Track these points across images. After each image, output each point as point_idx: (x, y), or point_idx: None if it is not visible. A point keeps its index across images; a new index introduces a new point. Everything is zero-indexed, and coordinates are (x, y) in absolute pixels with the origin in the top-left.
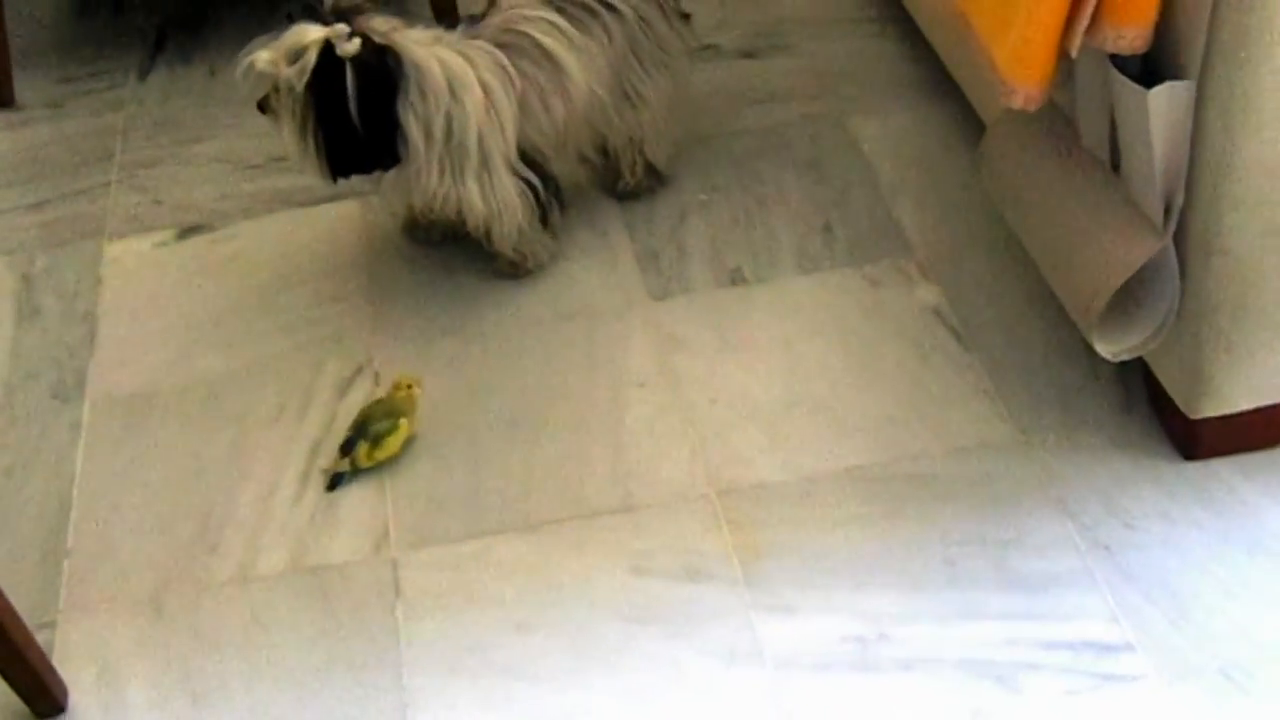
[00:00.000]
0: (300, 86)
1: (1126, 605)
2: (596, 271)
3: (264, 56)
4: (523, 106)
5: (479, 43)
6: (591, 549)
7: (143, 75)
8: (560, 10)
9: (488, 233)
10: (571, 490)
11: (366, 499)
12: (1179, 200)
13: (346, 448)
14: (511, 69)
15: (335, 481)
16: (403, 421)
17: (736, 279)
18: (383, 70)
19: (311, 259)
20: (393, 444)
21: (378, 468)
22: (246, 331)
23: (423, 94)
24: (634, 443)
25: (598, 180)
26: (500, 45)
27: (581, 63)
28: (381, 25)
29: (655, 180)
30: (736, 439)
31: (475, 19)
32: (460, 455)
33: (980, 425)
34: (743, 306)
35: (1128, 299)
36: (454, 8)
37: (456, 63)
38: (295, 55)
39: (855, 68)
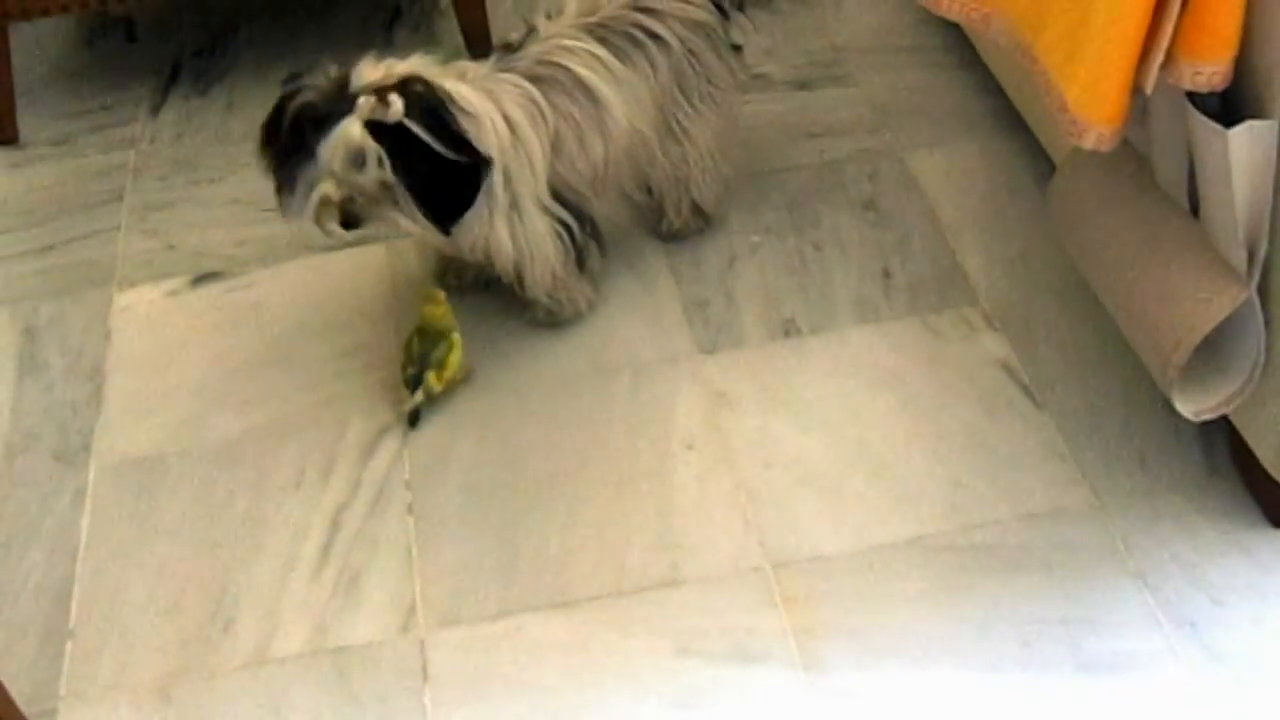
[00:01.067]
0: (387, 177)
1: (1215, 687)
2: (640, 321)
3: (328, 188)
4: (557, 144)
5: (509, 76)
6: (634, 628)
7: (155, 110)
8: (602, 41)
9: (519, 277)
10: (613, 562)
11: (392, 572)
12: (1263, 247)
13: (414, 384)
14: (544, 103)
15: (416, 417)
16: (454, 336)
17: (790, 330)
18: (433, 97)
19: (334, 309)
20: (454, 361)
21: (452, 390)
22: (265, 388)
23: (467, 114)
24: (681, 510)
25: (641, 221)
26: (533, 78)
27: (623, 97)
28: (402, 69)
29: (702, 221)
30: (792, 506)
31: (510, 48)
32: (493, 522)
33: (1053, 490)
34: (797, 360)
35: (1210, 353)
36: (487, 36)
37: (476, 99)
38: (357, 159)
39: (916, 100)
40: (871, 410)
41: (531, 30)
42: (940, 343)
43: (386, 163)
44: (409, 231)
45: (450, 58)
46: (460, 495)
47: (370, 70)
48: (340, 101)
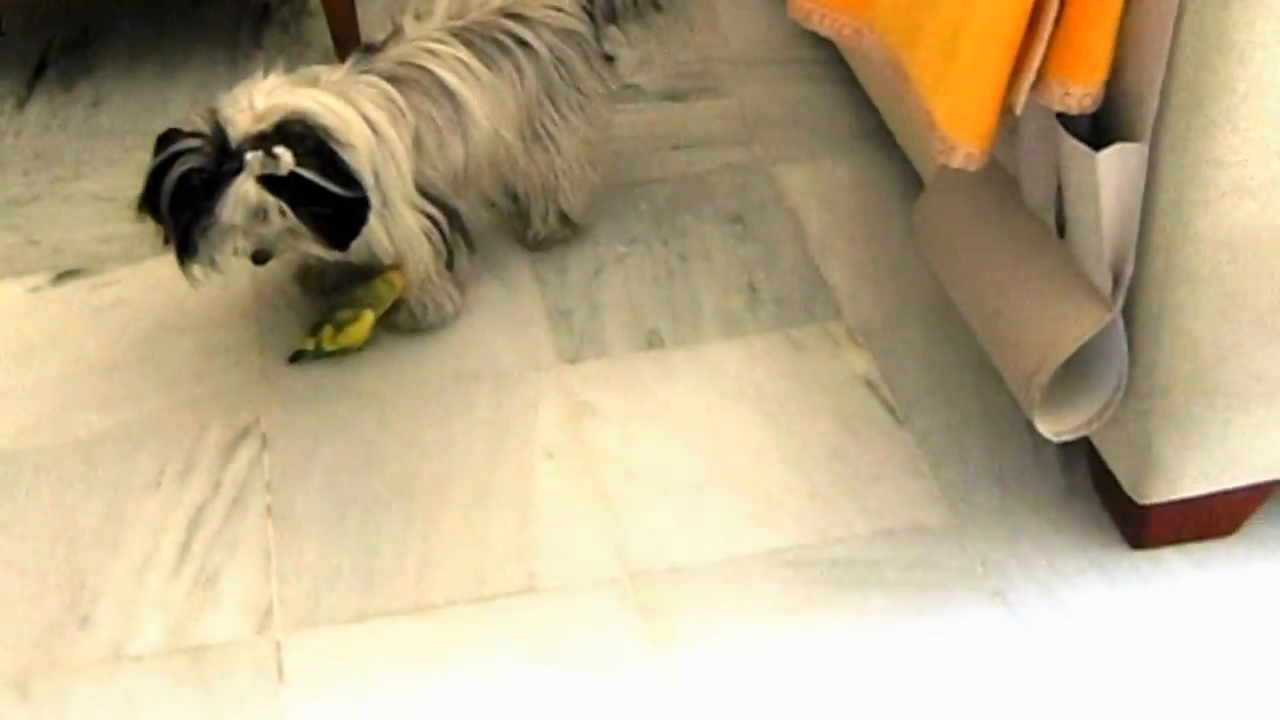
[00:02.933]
0: (291, 223)
1: (1067, 709)
2: (503, 329)
3: (238, 243)
4: (417, 143)
5: (366, 78)
6: (491, 634)
7: (20, 104)
8: (468, 45)
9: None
10: (471, 569)
11: (250, 572)
12: (1129, 270)
13: (314, 329)
14: (403, 102)
15: (296, 356)
16: (366, 313)
17: (654, 342)
18: (314, 138)
19: (197, 308)
20: (355, 333)
21: (341, 354)
22: (126, 387)
23: (346, 146)
24: (540, 518)
25: (507, 228)
26: (392, 79)
27: (486, 102)
28: (264, 103)
29: (569, 230)
30: (651, 516)
31: (373, 48)
32: (352, 526)
33: (912, 506)
34: (660, 372)
35: (1072, 374)
36: (356, 37)
37: (332, 103)
38: (258, 212)
39: (787, 114)
40: (734, 423)
41: (396, 31)
42: (804, 357)
43: (288, 211)
44: (315, 253)
45: (320, 59)
46: (320, 498)
47: (239, 114)
48: (225, 159)
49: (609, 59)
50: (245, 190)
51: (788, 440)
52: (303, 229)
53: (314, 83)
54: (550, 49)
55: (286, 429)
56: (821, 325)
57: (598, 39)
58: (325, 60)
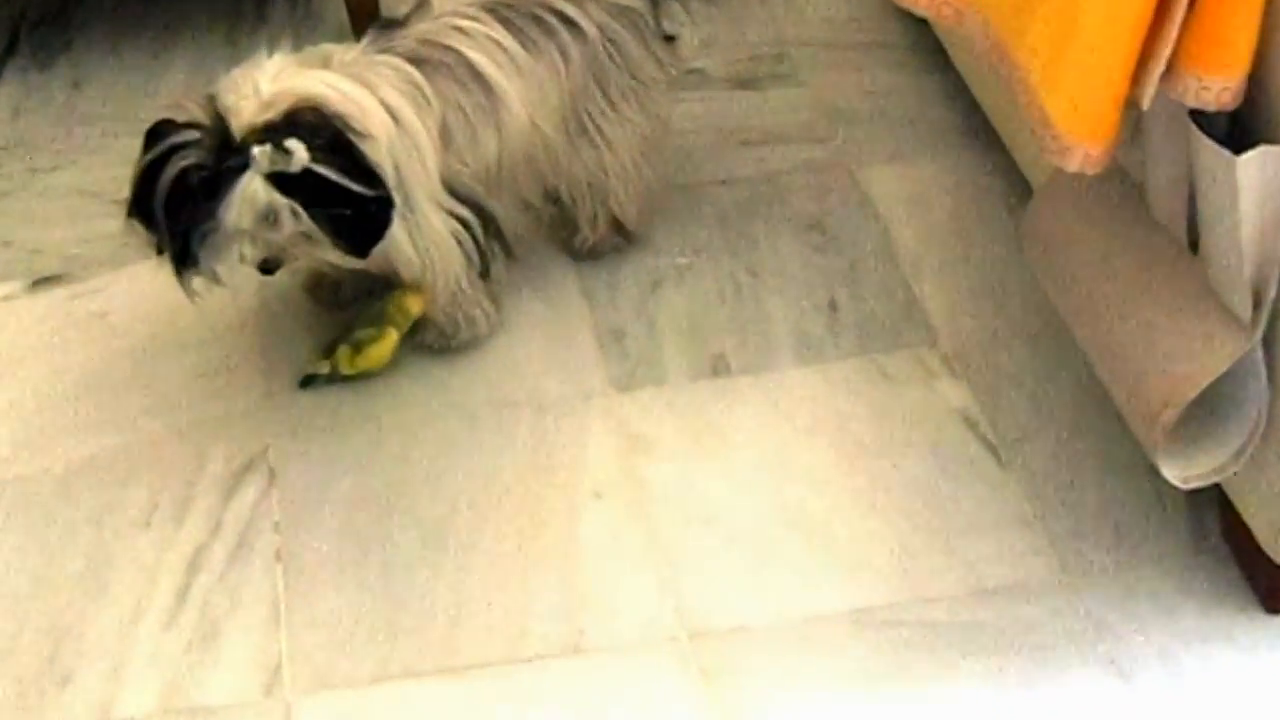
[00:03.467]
0: (305, 226)
1: None
2: (546, 351)
3: (244, 250)
4: (445, 135)
5: (386, 59)
6: (532, 701)
7: None
8: (505, 23)
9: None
10: (509, 626)
11: (256, 625)
12: (1272, 291)
13: (329, 349)
14: (427, 88)
15: (308, 381)
16: (389, 331)
17: (719, 368)
18: (330, 128)
19: (195, 321)
20: (376, 354)
21: (361, 378)
22: (112, 410)
23: (365, 136)
24: (588, 568)
25: (551, 236)
26: (416, 60)
27: (523, 89)
28: (271, 89)
29: (622, 238)
30: (714, 568)
31: (393, 24)
32: (373, 573)
33: (1015, 561)
34: (726, 402)
35: (1204, 412)
36: (374, 8)
37: (348, 88)
38: (267, 215)
39: (873, 106)
40: (810, 462)
41: (421, 4)
42: (892, 388)
43: (302, 214)
44: (331, 261)
45: (333, 36)
46: (336, 541)
47: (243, 101)
48: (228, 154)
49: (668, 39)
50: (252, 190)
51: (872, 483)
52: (318, 234)
53: (325, 64)
54: (600, 29)
55: (298, 461)
56: (913, 351)
57: (656, 16)
58: (339, 37)
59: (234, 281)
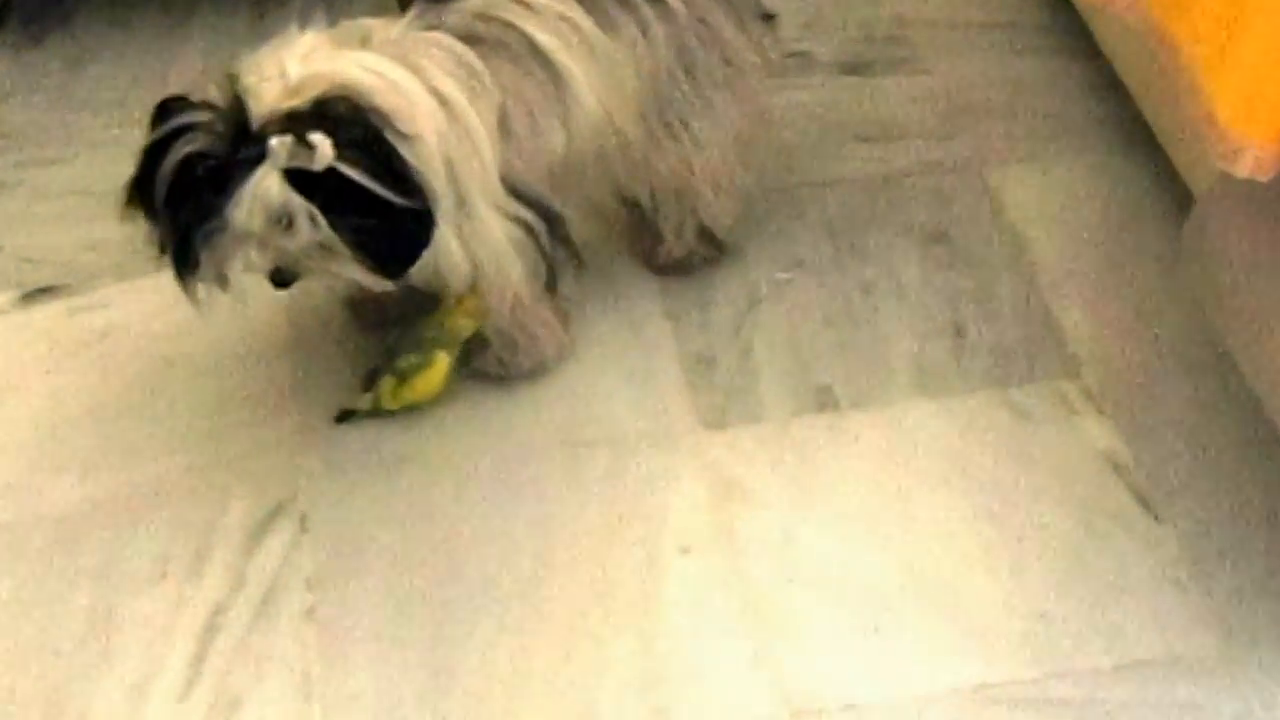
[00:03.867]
0: (323, 235)
1: None
2: (625, 382)
3: (252, 258)
4: (503, 125)
5: (434, 35)
6: None
7: None
8: None
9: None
10: (579, 699)
11: (284, 697)
12: None
13: (367, 380)
14: (485, 72)
15: (345, 416)
16: (440, 356)
17: (826, 402)
18: (365, 123)
19: (214, 341)
20: (425, 385)
21: (408, 412)
22: (118, 445)
23: (406, 137)
24: (672, 634)
25: (629, 246)
26: (471, 39)
27: (596, 75)
28: (299, 71)
29: (713, 250)
30: (819, 635)
31: None
32: (420, 638)
33: (1170, 631)
34: (833, 442)
35: None
36: None
37: (391, 72)
38: (280, 219)
39: (1005, 97)
40: (931, 512)
41: None
42: (1027, 427)
43: (321, 221)
44: (356, 282)
45: (372, 10)
46: (377, 600)
47: (265, 84)
48: (241, 144)
49: (768, 18)
50: (266, 187)
51: (1003, 537)
52: (340, 246)
53: (365, 43)
54: (688, 6)
55: (333, 507)
56: (1052, 384)
57: None
58: (380, 10)
59: (249, 291)
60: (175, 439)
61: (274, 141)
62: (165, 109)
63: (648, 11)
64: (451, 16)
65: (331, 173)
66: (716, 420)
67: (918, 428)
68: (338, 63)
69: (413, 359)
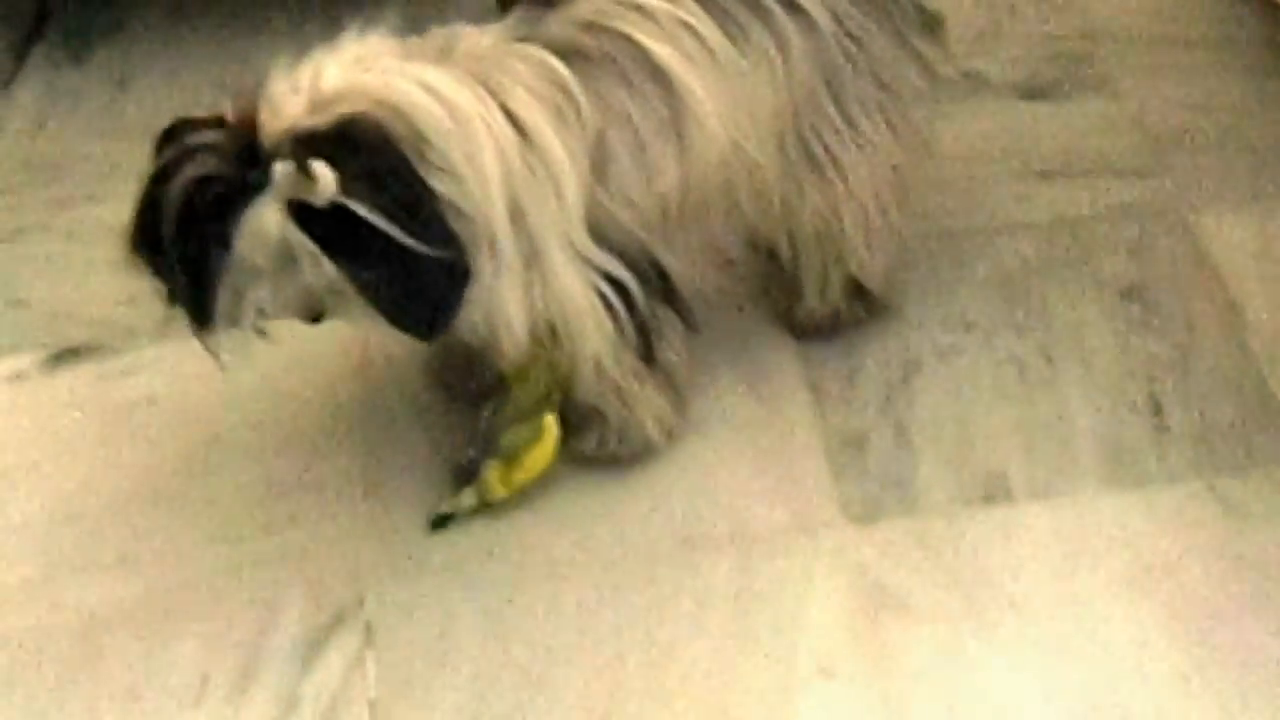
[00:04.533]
0: (331, 279)
1: None
2: (757, 466)
3: (261, 296)
4: (599, 160)
5: (527, 49)
6: None
7: (5, 82)
8: (703, 1)
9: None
10: None
11: None
12: None
13: (465, 474)
14: (580, 94)
15: (442, 522)
16: (548, 419)
17: (997, 491)
18: (387, 152)
19: (267, 413)
20: (538, 460)
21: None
22: (152, 539)
23: (447, 171)
24: None
25: (763, 301)
26: (571, 53)
27: (722, 94)
28: (335, 81)
29: (862, 309)
30: None
31: (549, 1)
32: None
33: None
34: (1006, 540)
35: None
36: None
37: (455, 92)
38: (282, 256)
39: (1213, 127)
40: (1124, 628)
41: None
42: (1242, 525)
43: (325, 264)
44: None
45: (477, 15)
46: None
47: (290, 96)
48: (246, 166)
49: (934, 24)
50: (264, 220)
51: (1216, 660)
52: (351, 294)
53: (446, 54)
54: (836, 17)
55: (403, 616)
56: (1270, 474)
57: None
58: (484, 17)
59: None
60: (219, 531)
61: (278, 166)
62: (171, 133)
63: (786, 22)
64: (552, 26)
65: (338, 209)
66: (865, 513)
67: (1107, 524)
68: (387, 75)
69: (522, 432)
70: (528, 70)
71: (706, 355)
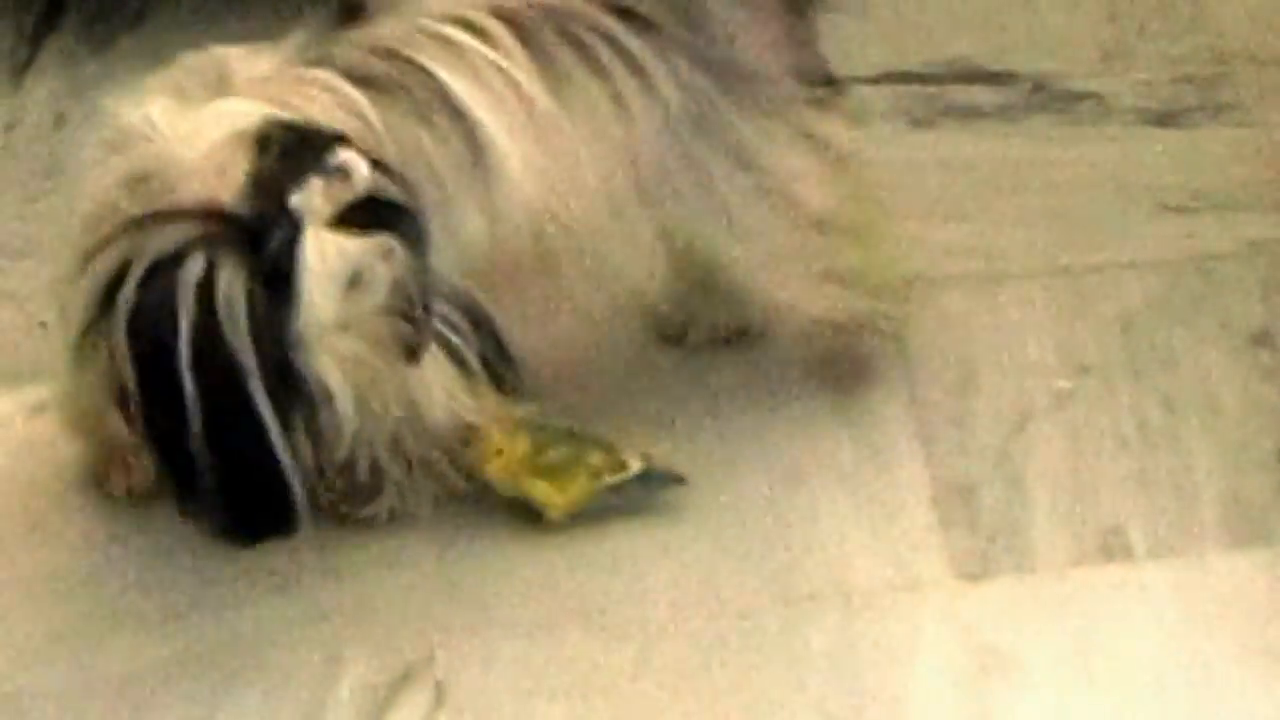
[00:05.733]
0: (406, 260)
1: None
2: (860, 518)
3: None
4: None
5: (318, 74)
6: None
7: (18, 71)
8: (527, 40)
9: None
10: None
11: None
12: None
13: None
14: (379, 125)
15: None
16: (594, 458)
17: (1115, 549)
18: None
19: None
20: (570, 492)
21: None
22: (199, 587)
23: None
24: None
25: (867, 340)
26: (367, 81)
27: (535, 148)
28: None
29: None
30: None
31: (357, 9)
32: None
33: None
34: (1125, 601)
35: None
36: None
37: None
38: (356, 278)
39: None
40: (1252, 698)
41: None
42: None
43: (397, 248)
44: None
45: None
46: None
47: (194, 164)
48: (242, 224)
49: (827, 98)
50: (324, 248)
51: None
52: (425, 279)
53: (223, 84)
54: (684, 85)
55: (478, 675)
56: None
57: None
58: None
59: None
60: (274, 578)
61: (296, 197)
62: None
63: (627, 84)
64: (344, 49)
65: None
66: (976, 569)
67: (1235, 587)
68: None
69: (563, 450)
70: (324, 97)
71: (809, 400)
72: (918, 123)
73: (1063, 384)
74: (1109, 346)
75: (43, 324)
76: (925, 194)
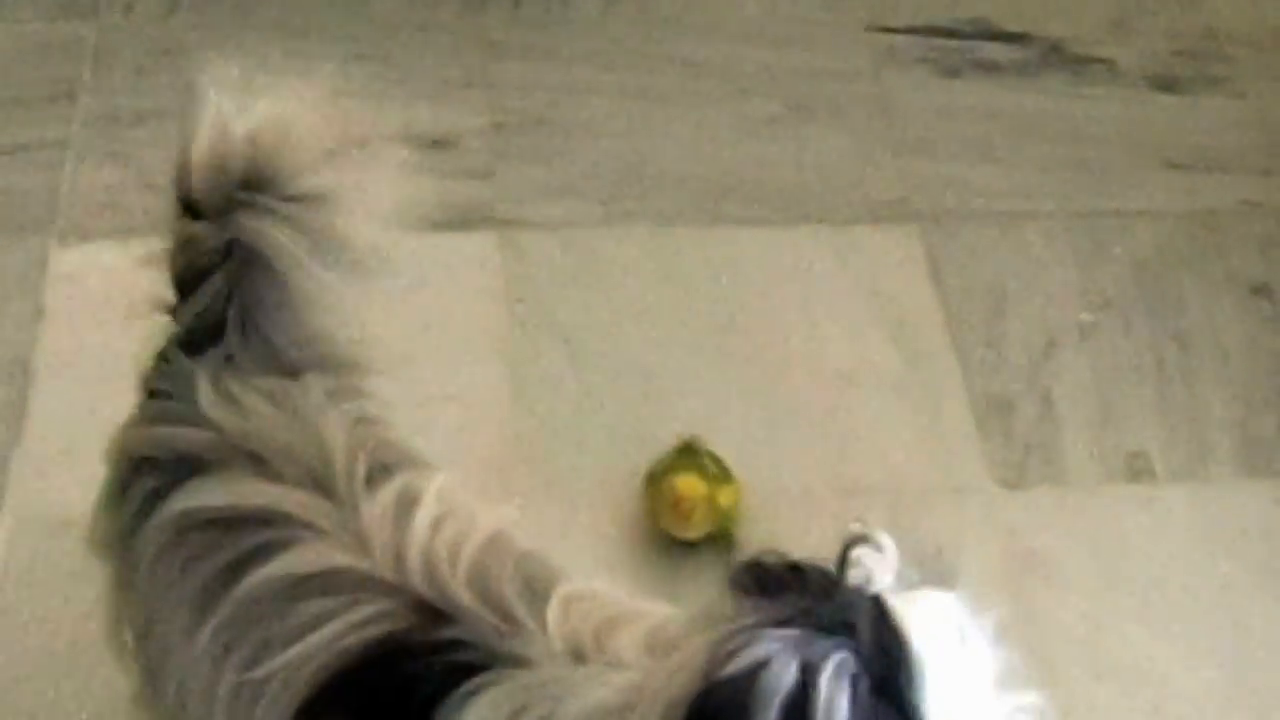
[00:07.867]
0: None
1: None
2: (906, 421)
3: None
4: None
5: None
6: None
7: None
8: None
9: None
10: None
11: None
12: None
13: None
14: None
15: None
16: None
17: (1139, 470)
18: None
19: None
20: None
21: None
22: None
23: None
24: None
25: None
26: None
27: None
28: None
29: None
30: None
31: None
32: None
33: None
34: (1148, 518)
35: None
36: None
37: None
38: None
39: None
40: (1263, 615)
41: None
42: None
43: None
44: None
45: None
46: None
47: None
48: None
49: None
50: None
51: None
52: None
53: None
54: None
55: None
56: None
57: None
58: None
59: None
60: None
61: (880, 539)
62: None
63: None
64: None
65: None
66: (1013, 477)
67: (1246, 510)
68: None
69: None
70: None
71: (846, 300)
72: (946, 71)
73: (1085, 317)
74: (1124, 284)
75: (150, 185)
76: (957, 137)
